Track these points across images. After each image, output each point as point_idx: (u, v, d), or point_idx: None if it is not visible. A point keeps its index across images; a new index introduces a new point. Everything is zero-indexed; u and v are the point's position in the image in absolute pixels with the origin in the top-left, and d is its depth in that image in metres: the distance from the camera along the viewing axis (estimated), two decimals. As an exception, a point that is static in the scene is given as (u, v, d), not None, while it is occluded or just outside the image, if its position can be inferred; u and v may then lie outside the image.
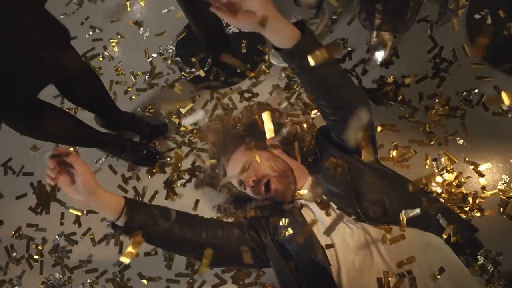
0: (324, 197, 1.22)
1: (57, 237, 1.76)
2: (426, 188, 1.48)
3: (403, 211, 1.09)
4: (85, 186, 0.96)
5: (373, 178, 1.21)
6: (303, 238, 1.12)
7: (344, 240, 1.12)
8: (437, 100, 1.62)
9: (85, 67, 1.48)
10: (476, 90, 1.61)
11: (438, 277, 1.03)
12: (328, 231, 1.06)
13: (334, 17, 1.87)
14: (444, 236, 1.14)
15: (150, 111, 1.90)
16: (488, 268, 1.30)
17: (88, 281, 1.66)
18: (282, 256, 1.20)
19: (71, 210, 1.75)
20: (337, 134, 1.26)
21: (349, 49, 1.80)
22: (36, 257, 1.75)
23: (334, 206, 1.19)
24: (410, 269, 1.03)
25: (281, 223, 1.21)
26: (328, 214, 1.17)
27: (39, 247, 1.76)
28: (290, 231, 1.19)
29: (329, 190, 1.22)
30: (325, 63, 0.91)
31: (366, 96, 1.26)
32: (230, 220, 1.48)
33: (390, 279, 1.03)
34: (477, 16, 1.70)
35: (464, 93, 1.62)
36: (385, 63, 1.73)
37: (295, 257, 1.18)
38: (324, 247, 1.11)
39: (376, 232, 1.10)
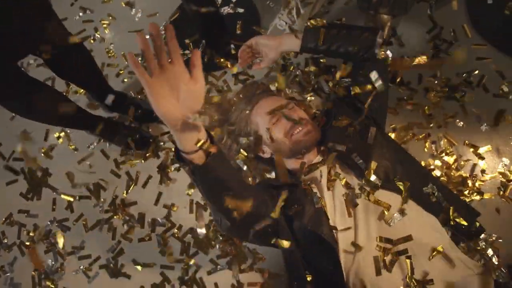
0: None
1: (48, 223, 1.73)
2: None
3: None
4: (196, 98, 0.77)
5: (382, 143, 1.21)
6: (314, 214, 1.12)
7: (343, 219, 1.10)
8: (436, 82, 1.59)
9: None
10: (477, 72, 1.58)
11: (432, 257, 1.02)
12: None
13: (331, -3, 1.83)
14: (442, 217, 1.13)
15: (144, 94, 1.85)
16: (487, 252, 1.29)
17: (81, 267, 1.64)
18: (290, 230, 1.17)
19: (63, 196, 1.73)
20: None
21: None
22: (28, 243, 1.72)
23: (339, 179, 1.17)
24: (406, 247, 1.02)
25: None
26: (329, 187, 1.15)
27: (31, 234, 1.73)
28: (299, 207, 1.15)
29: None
30: None
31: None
32: None
33: (385, 258, 1.01)
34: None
35: (464, 74, 1.58)
36: (384, 44, 1.69)
37: (302, 234, 1.14)
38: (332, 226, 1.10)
39: (375, 209, 1.09)
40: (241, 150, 1.35)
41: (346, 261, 1.07)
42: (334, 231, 1.09)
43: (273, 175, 1.50)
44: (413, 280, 0.99)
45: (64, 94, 1.88)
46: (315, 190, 1.17)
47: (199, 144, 0.81)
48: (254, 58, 1.46)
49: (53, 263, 1.67)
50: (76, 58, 1.46)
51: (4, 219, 1.77)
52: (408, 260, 1.01)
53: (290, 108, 1.29)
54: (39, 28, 1.25)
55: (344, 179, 1.15)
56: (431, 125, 1.54)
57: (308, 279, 1.12)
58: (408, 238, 1.03)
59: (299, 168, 1.27)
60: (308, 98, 1.66)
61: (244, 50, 1.42)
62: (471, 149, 1.49)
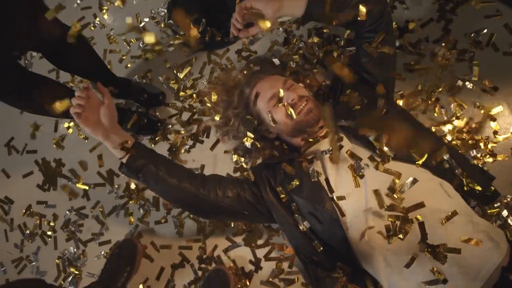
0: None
1: (67, 212, 1.77)
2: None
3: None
4: (111, 114, 1.19)
5: (392, 115, 1.21)
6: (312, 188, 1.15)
7: (350, 189, 1.11)
8: (443, 44, 1.54)
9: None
10: (485, 30, 1.53)
11: (446, 221, 1.01)
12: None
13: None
14: (456, 183, 1.12)
15: (148, 78, 1.84)
16: (502, 213, 1.28)
17: (102, 253, 1.68)
18: (285, 209, 1.20)
19: (78, 185, 1.76)
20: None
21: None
22: (49, 233, 1.76)
23: (345, 151, 1.16)
24: (419, 214, 1.01)
25: (288, 172, 1.20)
26: (334, 161, 1.16)
27: (51, 223, 1.77)
28: (297, 182, 1.18)
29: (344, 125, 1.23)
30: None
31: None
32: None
33: (397, 225, 1.01)
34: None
35: (472, 35, 1.54)
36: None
37: (302, 208, 1.17)
38: (335, 199, 1.11)
39: (385, 178, 1.08)
40: (248, 132, 1.35)
41: (355, 231, 1.08)
42: (340, 202, 1.10)
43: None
44: (426, 245, 0.98)
45: (69, 85, 1.89)
46: (318, 163, 1.18)
47: (119, 146, 1.18)
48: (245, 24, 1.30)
49: (75, 250, 1.71)
50: (74, 49, 1.44)
51: (24, 211, 1.82)
52: (420, 225, 1.00)
53: (289, 87, 1.28)
54: (34, 25, 1.24)
55: (349, 151, 1.14)
56: (440, 89, 1.51)
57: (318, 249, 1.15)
58: (421, 205, 1.03)
59: (303, 144, 1.27)
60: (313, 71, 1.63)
61: (239, 13, 1.26)
62: (482, 111, 1.46)
